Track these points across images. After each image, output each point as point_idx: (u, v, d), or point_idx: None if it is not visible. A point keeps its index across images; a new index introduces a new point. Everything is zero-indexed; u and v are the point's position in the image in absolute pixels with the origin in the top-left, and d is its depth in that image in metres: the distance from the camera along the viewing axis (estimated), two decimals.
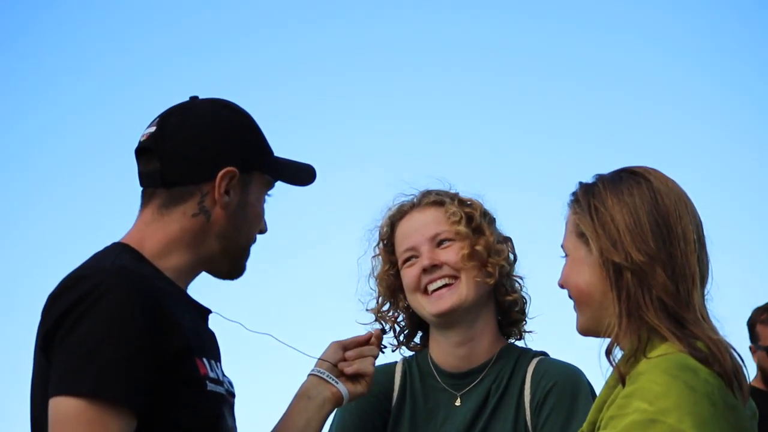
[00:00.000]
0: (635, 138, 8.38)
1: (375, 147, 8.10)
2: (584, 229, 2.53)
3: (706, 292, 2.52)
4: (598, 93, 8.61)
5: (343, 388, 2.92)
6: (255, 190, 2.69)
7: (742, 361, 2.48)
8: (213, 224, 2.63)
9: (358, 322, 3.27)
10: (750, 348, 6.30)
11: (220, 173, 2.61)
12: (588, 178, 2.60)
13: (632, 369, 2.45)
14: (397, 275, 3.23)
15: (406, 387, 3.22)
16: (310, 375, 2.97)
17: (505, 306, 3.24)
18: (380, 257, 3.25)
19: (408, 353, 3.33)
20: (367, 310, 3.28)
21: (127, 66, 8.70)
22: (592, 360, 2.56)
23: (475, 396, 3.16)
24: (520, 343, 3.31)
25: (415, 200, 3.24)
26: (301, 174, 2.78)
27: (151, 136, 2.65)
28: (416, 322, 3.30)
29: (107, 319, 2.41)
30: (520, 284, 3.25)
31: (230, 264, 2.70)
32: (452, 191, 3.25)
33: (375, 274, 3.27)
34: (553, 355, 3.27)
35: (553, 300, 2.73)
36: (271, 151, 2.75)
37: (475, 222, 3.17)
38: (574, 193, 2.60)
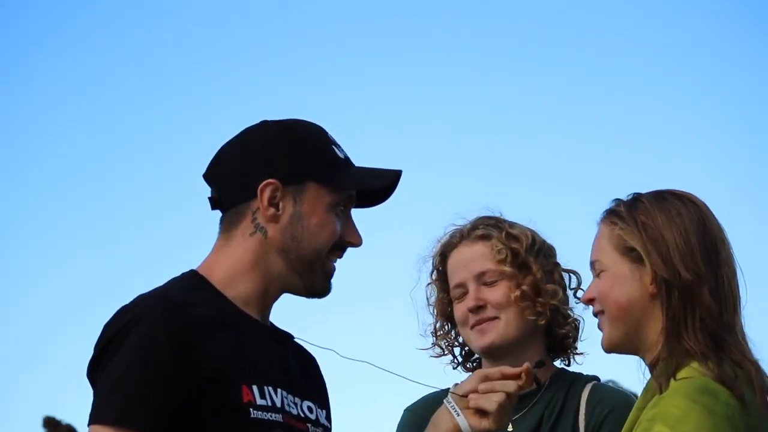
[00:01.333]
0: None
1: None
2: (634, 245, 2.54)
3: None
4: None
5: (463, 421, 2.71)
6: (311, 200, 2.61)
7: None
8: (271, 240, 2.61)
9: (417, 348, 3.33)
10: None
11: (260, 186, 2.60)
12: (622, 196, 2.62)
13: (667, 385, 2.47)
14: (451, 303, 3.28)
15: None
16: (444, 401, 2.83)
17: (558, 338, 3.27)
18: (434, 285, 3.31)
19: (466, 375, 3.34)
20: (426, 332, 3.34)
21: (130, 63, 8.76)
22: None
23: (527, 422, 3.18)
24: (571, 366, 3.33)
25: (464, 231, 3.27)
26: (372, 179, 2.68)
27: (209, 164, 2.69)
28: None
29: (135, 348, 2.48)
30: (571, 313, 3.26)
31: (303, 279, 2.64)
32: (502, 220, 3.28)
33: (431, 302, 3.33)
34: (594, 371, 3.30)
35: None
36: (336, 161, 2.67)
37: (521, 258, 3.19)
38: (613, 210, 2.61)
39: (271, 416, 2.56)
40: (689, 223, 2.52)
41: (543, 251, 3.25)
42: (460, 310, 3.22)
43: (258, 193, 2.60)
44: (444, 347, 3.32)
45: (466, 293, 3.21)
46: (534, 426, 3.18)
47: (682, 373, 2.46)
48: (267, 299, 2.65)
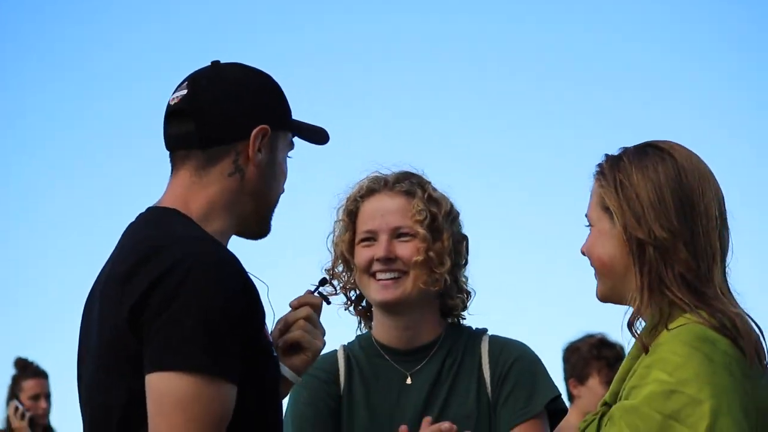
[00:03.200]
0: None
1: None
2: (609, 204, 2.58)
3: (727, 266, 2.58)
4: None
5: (284, 369, 2.82)
6: (282, 149, 2.71)
7: (761, 333, 2.56)
8: (247, 183, 2.64)
9: (311, 284, 3.25)
10: None
11: (254, 131, 2.62)
12: (613, 150, 2.65)
13: (653, 340, 2.52)
14: (353, 246, 3.28)
15: (352, 369, 3.25)
16: None
17: (447, 306, 3.32)
18: (342, 223, 3.29)
19: (354, 318, 3.38)
20: (323, 270, 3.32)
21: None
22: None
23: (426, 373, 3.23)
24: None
25: (388, 181, 3.28)
26: (319, 134, 2.80)
27: (183, 98, 2.65)
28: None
29: (205, 293, 2.40)
30: (465, 286, 3.32)
31: (259, 223, 2.71)
32: (425, 180, 3.30)
33: (334, 238, 3.32)
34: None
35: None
36: (291, 112, 2.77)
37: (437, 223, 3.23)
38: (600, 165, 2.64)
39: (275, 354, 2.62)
40: (665, 178, 2.55)
41: (456, 221, 3.30)
42: (364, 255, 3.23)
43: (251, 136, 2.62)
44: (338, 288, 3.31)
45: (374, 241, 3.23)
46: (434, 377, 3.22)
47: (677, 322, 2.51)
48: (227, 239, 2.68)
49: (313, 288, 2.97)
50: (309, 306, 2.87)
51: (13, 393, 7.29)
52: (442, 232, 3.24)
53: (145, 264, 2.45)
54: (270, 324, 2.77)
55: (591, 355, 5.93)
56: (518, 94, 8.86)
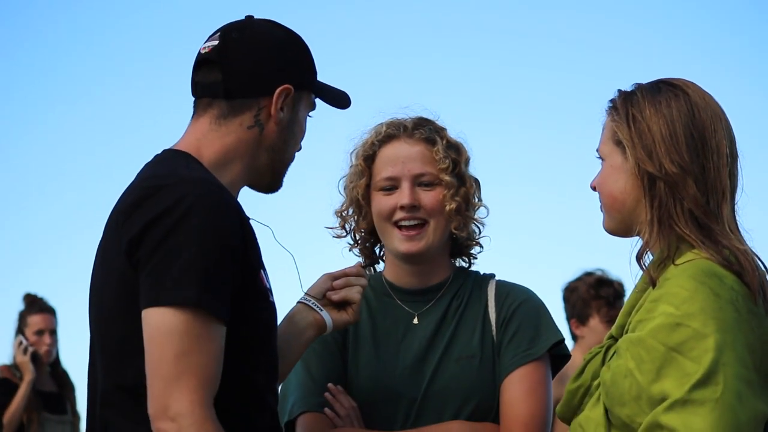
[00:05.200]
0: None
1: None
2: (621, 138, 2.60)
3: (736, 203, 2.61)
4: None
5: (327, 315, 3.01)
6: (303, 109, 2.80)
7: (767, 270, 2.58)
8: (265, 138, 2.73)
9: (326, 227, 3.32)
10: None
11: (279, 89, 2.72)
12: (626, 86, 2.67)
13: (661, 274, 2.55)
14: (367, 191, 3.28)
15: (361, 306, 3.22)
16: (297, 302, 3.05)
17: (460, 248, 3.34)
18: (358, 168, 3.27)
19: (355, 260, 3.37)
20: (335, 212, 3.33)
21: None
22: None
23: (433, 315, 3.25)
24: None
25: (407, 126, 3.26)
26: (341, 98, 2.89)
27: (214, 48, 2.73)
28: (375, 238, 3.35)
29: (202, 231, 2.46)
30: (479, 228, 3.32)
31: (272, 177, 2.80)
32: (440, 127, 3.28)
33: (347, 183, 3.31)
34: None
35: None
36: (317, 73, 2.85)
37: (458, 169, 3.23)
38: (612, 100, 2.67)
39: (272, 298, 2.68)
40: (677, 113, 2.57)
41: (468, 165, 3.30)
42: (385, 204, 3.21)
43: (275, 94, 2.72)
44: (348, 230, 3.32)
45: (395, 188, 3.22)
46: (439, 318, 3.24)
47: (685, 257, 2.54)
48: (239, 187, 2.76)
49: (363, 264, 3.18)
50: (366, 278, 3.07)
51: (20, 328, 7.31)
52: (464, 179, 3.25)
53: (145, 200, 2.51)
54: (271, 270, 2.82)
55: (589, 295, 5.89)
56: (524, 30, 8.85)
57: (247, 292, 2.56)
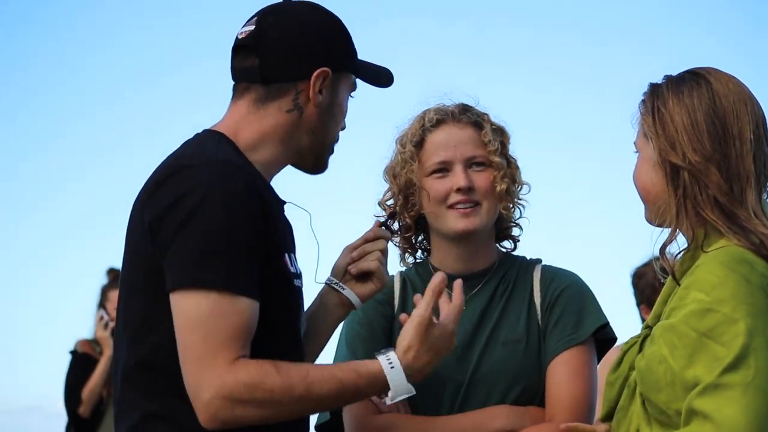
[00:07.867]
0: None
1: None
2: (646, 130, 2.65)
3: (766, 186, 2.64)
4: None
5: (350, 293, 3.02)
6: (343, 90, 2.82)
7: None
8: (305, 121, 2.76)
9: (375, 215, 3.34)
10: None
11: (316, 73, 2.75)
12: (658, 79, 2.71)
13: (692, 263, 2.58)
14: (419, 176, 3.30)
15: (407, 293, 3.30)
16: (324, 283, 3.07)
17: (503, 231, 3.39)
18: (407, 154, 3.31)
19: (408, 259, 3.42)
20: (378, 203, 3.37)
21: None
22: None
23: (479, 300, 3.28)
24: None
25: (454, 111, 3.32)
26: (382, 77, 2.90)
27: (251, 34, 2.76)
28: (420, 227, 3.39)
29: (226, 213, 2.51)
30: (521, 210, 3.37)
31: (316, 159, 2.83)
32: (482, 112, 3.34)
33: (395, 170, 3.34)
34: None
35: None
36: (356, 54, 2.86)
37: (505, 150, 3.31)
38: (644, 93, 2.70)
39: (298, 283, 2.72)
40: (698, 102, 2.59)
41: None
42: (440, 187, 3.25)
43: (312, 78, 2.74)
44: (400, 223, 3.35)
45: (447, 172, 3.26)
46: (485, 303, 3.28)
47: (715, 245, 2.56)
48: (277, 169, 2.80)
49: (382, 221, 3.13)
50: (384, 239, 3.04)
51: (101, 303, 7.21)
52: (510, 161, 3.31)
53: (167, 178, 2.58)
54: (317, 255, 2.92)
55: (657, 280, 5.86)
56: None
57: (269, 275, 2.59)
